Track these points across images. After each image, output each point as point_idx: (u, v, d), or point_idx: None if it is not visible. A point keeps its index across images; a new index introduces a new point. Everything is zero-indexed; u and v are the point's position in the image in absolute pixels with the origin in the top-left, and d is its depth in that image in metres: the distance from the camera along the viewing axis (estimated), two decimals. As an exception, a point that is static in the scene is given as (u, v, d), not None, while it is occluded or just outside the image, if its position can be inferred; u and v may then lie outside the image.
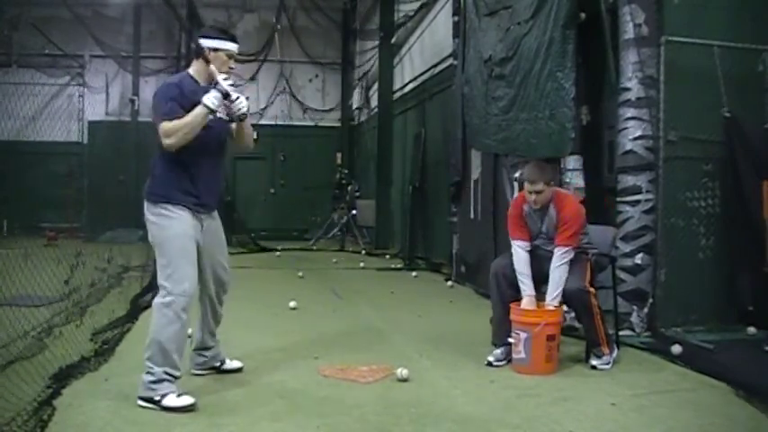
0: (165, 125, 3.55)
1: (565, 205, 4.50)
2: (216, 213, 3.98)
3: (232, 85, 3.68)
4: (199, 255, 3.78)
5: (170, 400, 3.48)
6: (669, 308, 5.33)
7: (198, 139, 3.62)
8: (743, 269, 5.49)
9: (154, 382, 3.52)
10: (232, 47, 3.79)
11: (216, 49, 3.73)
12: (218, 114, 3.71)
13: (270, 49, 17.05)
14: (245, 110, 3.71)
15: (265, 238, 14.31)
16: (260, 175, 17.46)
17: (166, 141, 3.56)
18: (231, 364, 4.24)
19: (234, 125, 3.91)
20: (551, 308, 4.36)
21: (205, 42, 3.75)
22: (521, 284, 4.48)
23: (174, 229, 3.66)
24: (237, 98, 3.67)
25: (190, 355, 4.08)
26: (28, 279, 5.01)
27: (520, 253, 4.53)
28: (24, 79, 13.85)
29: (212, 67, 3.70)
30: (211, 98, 3.57)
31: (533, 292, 4.45)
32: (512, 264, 4.54)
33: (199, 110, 3.56)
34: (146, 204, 3.73)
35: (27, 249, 6.29)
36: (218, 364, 4.19)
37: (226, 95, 3.62)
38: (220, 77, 3.66)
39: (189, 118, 3.56)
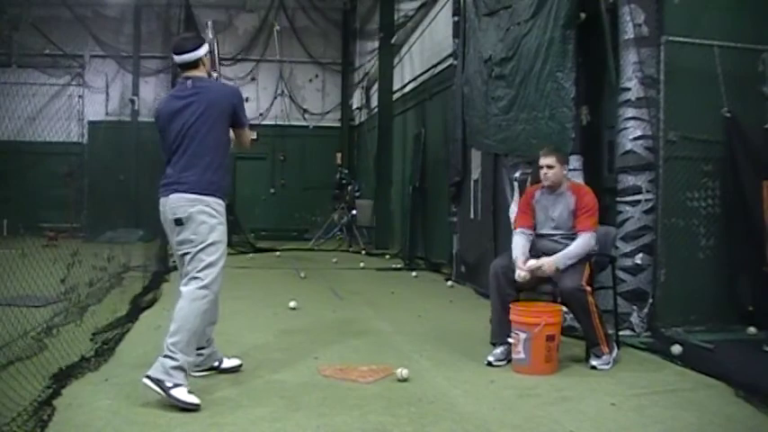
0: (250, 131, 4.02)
1: (584, 193, 4.62)
2: None
3: None
4: None
5: (179, 392, 3.47)
6: (669, 308, 5.33)
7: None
8: (743, 269, 5.49)
9: (174, 368, 3.51)
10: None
11: (205, 54, 3.98)
12: None
13: (269, 50, 17.06)
14: None
15: (265, 239, 14.33)
16: (260, 175, 17.48)
17: (249, 142, 4.02)
18: (230, 362, 4.25)
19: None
20: (547, 265, 4.37)
21: (200, 52, 3.94)
22: (515, 258, 4.50)
23: (225, 233, 3.83)
24: None
25: None
26: (28, 279, 5.01)
27: (519, 238, 4.64)
28: (24, 79, 13.83)
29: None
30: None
31: (527, 256, 4.52)
32: (511, 264, 4.54)
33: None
34: (208, 198, 3.74)
35: (24, 249, 6.29)
36: (216, 363, 4.19)
37: None
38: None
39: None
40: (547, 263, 4.38)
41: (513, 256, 4.56)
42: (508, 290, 4.52)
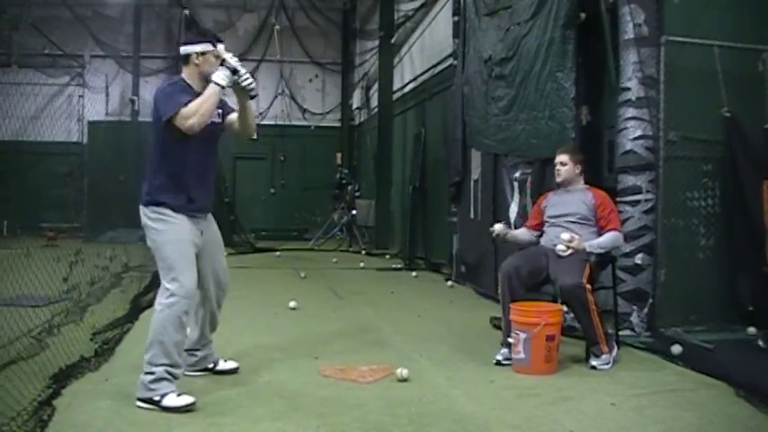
0: (183, 110, 3.56)
1: (603, 194, 4.84)
2: (210, 215, 3.99)
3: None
4: (199, 258, 3.80)
5: (170, 400, 3.48)
6: (669, 308, 5.33)
7: (192, 142, 3.67)
8: (743, 269, 5.49)
9: (153, 381, 3.51)
10: (218, 47, 3.77)
11: (203, 53, 3.73)
12: (213, 119, 3.76)
13: (270, 50, 17.06)
14: (253, 84, 3.71)
15: (265, 239, 14.32)
16: (260, 175, 17.47)
17: (188, 123, 3.55)
18: (226, 365, 4.20)
19: (235, 112, 3.90)
20: (576, 242, 4.51)
21: (190, 48, 3.75)
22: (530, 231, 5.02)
23: (174, 234, 3.68)
24: (246, 74, 3.67)
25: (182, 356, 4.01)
26: (27, 279, 5.01)
27: (522, 230, 5.09)
28: (24, 79, 13.84)
29: (220, 47, 3.70)
30: (221, 75, 3.61)
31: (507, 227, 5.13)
32: (523, 264, 4.62)
33: (211, 89, 3.61)
34: (143, 209, 3.74)
35: (27, 249, 6.29)
36: (210, 365, 4.16)
37: (234, 71, 3.63)
38: (227, 55, 3.67)
39: (203, 97, 3.60)
40: (578, 243, 4.53)
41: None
42: (520, 290, 4.56)
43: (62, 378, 3.83)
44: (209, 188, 3.92)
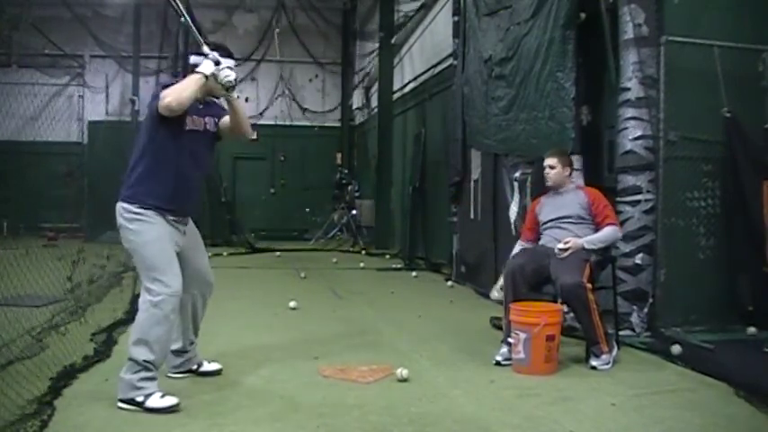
0: (163, 92, 3.55)
1: (596, 192, 4.90)
2: (189, 219, 3.93)
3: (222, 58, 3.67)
4: (181, 259, 3.73)
5: (154, 401, 3.44)
6: (669, 308, 5.33)
7: (183, 147, 3.67)
8: (743, 269, 5.49)
9: (140, 380, 3.47)
10: (232, 63, 3.78)
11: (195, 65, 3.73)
12: (207, 125, 3.79)
13: (269, 50, 17.06)
14: (232, 77, 3.65)
15: (265, 239, 14.32)
16: (260, 175, 17.46)
17: (164, 101, 3.49)
18: (209, 366, 4.16)
19: (226, 114, 3.86)
20: (572, 243, 4.51)
21: (192, 59, 3.75)
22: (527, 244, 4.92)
23: (152, 233, 3.60)
24: (224, 68, 3.64)
25: (167, 358, 3.90)
26: (28, 279, 5.01)
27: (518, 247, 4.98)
28: (24, 79, 13.82)
29: (204, 48, 3.68)
30: (205, 65, 3.60)
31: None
32: (527, 262, 4.64)
33: (193, 76, 3.59)
34: (121, 206, 3.64)
35: (26, 249, 6.29)
36: (195, 366, 4.12)
37: (216, 63, 3.62)
38: (206, 48, 3.66)
39: (183, 81, 3.59)
40: (574, 242, 4.54)
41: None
42: (522, 288, 4.57)
43: (62, 378, 3.83)
44: (193, 195, 3.87)
